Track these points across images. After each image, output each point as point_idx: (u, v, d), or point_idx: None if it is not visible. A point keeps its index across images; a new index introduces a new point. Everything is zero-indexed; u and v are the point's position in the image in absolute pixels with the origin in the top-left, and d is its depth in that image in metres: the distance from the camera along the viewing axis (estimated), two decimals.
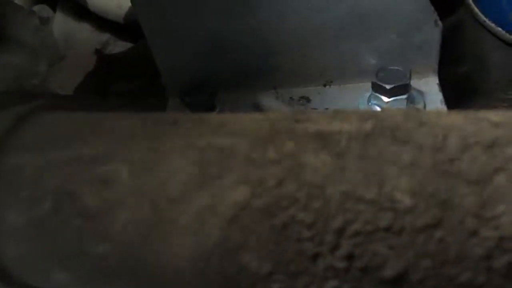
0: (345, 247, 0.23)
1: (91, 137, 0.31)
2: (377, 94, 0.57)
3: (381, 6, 0.56)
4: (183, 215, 0.26)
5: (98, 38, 0.88)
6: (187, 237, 0.26)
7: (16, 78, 0.72)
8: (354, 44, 0.60)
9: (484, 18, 0.65)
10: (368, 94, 0.59)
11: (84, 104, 0.40)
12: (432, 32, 0.57)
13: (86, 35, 0.88)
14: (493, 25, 0.64)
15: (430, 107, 0.58)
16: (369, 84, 0.58)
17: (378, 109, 0.58)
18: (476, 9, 0.66)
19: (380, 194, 0.23)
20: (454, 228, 0.22)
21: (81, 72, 0.80)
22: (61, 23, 0.88)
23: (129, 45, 0.88)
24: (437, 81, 0.61)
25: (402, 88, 0.56)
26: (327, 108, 0.62)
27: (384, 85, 0.56)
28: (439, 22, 0.57)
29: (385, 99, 0.57)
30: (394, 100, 0.56)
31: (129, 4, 0.61)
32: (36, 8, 0.87)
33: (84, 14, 0.88)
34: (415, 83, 0.59)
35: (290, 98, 0.64)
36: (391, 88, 0.56)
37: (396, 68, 0.57)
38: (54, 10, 0.90)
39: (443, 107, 0.58)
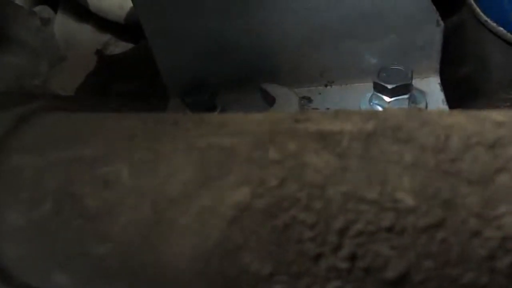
0: (348, 247, 0.23)
1: (92, 138, 0.31)
2: (378, 94, 0.57)
3: (383, 6, 0.56)
4: (183, 215, 0.26)
5: (99, 38, 0.88)
6: (188, 237, 0.25)
7: (16, 79, 0.72)
8: (356, 44, 0.59)
9: (486, 18, 0.65)
10: (369, 94, 0.59)
11: (84, 104, 0.40)
12: (433, 32, 0.57)
13: (87, 36, 0.88)
14: (494, 25, 0.63)
15: (432, 107, 0.58)
16: (371, 84, 0.58)
17: (380, 109, 0.57)
18: (477, 9, 0.66)
19: (382, 194, 0.23)
20: (456, 228, 0.22)
21: (82, 72, 0.80)
22: (62, 24, 0.88)
23: (130, 45, 0.88)
24: (438, 81, 0.61)
25: (403, 88, 0.56)
26: (328, 108, 0.62)
27: (385, 85, 0.56)
28: (441, 22, 0.56)
29: (387, 99, 0.57)
30: (395, 100, 0.56)
31: (130, 4, 0.61)
32: (37, 8, 0.88)
33: (85, 14, 0.88)
34: (416, 83, 0.59)
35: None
36: (392, 88, 0.55)
37: (398, 68, 0.57)
38: (55, 11, 0.90)
39: (445, 107, 0.58)
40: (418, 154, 0.23)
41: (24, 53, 0.74)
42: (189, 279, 0.26)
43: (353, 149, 0.24)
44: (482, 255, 0.22)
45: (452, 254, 0.22)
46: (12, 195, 0.30)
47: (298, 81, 0.64)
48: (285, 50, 0.61)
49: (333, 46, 0.60)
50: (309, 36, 0.59)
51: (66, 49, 0.86)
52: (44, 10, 0.87)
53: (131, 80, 0.79)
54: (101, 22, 0.87)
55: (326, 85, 0.64)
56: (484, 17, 0.65)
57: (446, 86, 0.60)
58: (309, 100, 0.64)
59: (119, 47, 0.88)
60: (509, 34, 0.62)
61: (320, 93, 0.64)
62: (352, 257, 0.23)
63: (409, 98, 0.57)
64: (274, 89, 0.61)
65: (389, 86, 0.55)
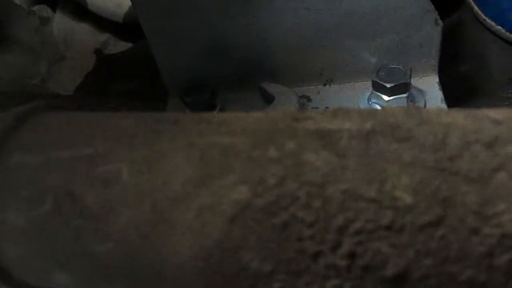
0: (347, 245, 0.23)
1: (91, 137, 0.31)
2: (377, 93, 0.57)
3: (382, 5, 0.56)
4: (183, 214, 0.26)
5: (98, 38, 0.88)
6: (188, 236, 0.26)
7: (16, 78, 0.72)
8: (355, 43, 0.60)
9: (484, 17, 0.65)
10: (368, 93, 0.59)
11: (84, 104, 0.40)
12: (432, 31, 0.57)
13: (86, 35, 0.88)
14: (493, 24, 0.64)
15: (431, 105, 0.58)
16: (370, 83, 0.58)
17: (379, 107, 0.57)
18: (476, 8, 0.66)
19: (381, 193, 0.23)
20: (455, 226, 0.22)
21: (81, 72, 0.80)
22: (61, 23, 0.88)
23: (128, 45, 0.88)
24: (437, 79, 0.61)
25: (402, 87, 0.56)
26: (327, 107, 0.62)
27: (384, 83, 0.56)
28: (440, 21, 0.57)
29: (386, 97, 0.57)
30: (394, 98, 0.56)
31: (129, 3, 0.61)
32: (36, 8, 0.88)
33: (84, 14, 0.88)
34: (415, 81, 0.59)
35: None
36: (391, 87, 0.56)
37: (397, 66, 0.57)
38: (54, 10, 0.90)
39: (443, 106, 0.58)
40: (417, 152, 0.23)
41: (23, 53, 0.74)
42: (189, 277, 0.26)
43: (352, 148, 0.25)
44: (481, 252, 0.22)
45: (451, 251, 0.22)
46: (12, 194, 0.30)
47: (297, 80, 0.64)
48: (284, 49, 0.61)
49: (332, 45, 0.60)
50: (308, 35, 0.59)
51: (65, 49, 0.86)
52: (43, 10, 0.87)
53: (130, 79, 0.79)
54: (100, 21, 0.87)
55: (325, 84, 0.64)
56: (482, 16, 0.65)
57: (444, 85, 0.60)
58: (308, 99, 0.64)
59: (118, 46, 0.88)
60: (507, 33, 0.62)
61: (319, 92, 0.64)
62: (351, 255, 0.23)
63: (407, 97, 0.57)
64: (273, 88, 0.61)
65: (388, 85, 0.55)
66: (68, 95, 0.76)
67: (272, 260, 0.24)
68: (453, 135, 0.24)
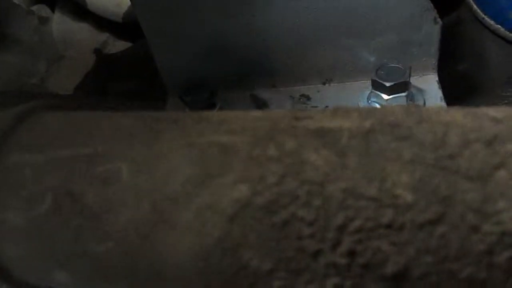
0: (347, 243, 0.23)
1: (91, 137, 0.31)
2: (376, 92, 0.57)
3: (381, 3, 0.56)
4: (183, 213, 0.26)
5: (97, 37, 0.88)
6: (188, 235, 0.26)
7: (15, 78, 0.72)
8: (354, 42, 0.60)
9: (484, 16, 0.65)
10: (367, 92, 0.59)
11: (83, 103, 0.40)
12: (431, 30, 0.57)
13: (85, 35, 0.88)
14: (492, 22, 0.64)
15: (430, 104, 0.58)
16: (369, 82, 0.58)
17: (378, 106, 0.57)
18: (475, 7, 0.66)
19: (381, 191, 0.23)
20: (455, 224, 0.22)
21: (80, 71, 0.80)
22: (60, 23, 0.88)
23: (128, 44, 0.88)
24: (436, 78, 0.61)
25: (401, 86, 0.56)
26: (327, 106, 0.62)
27: (383, 82, 0.56)
28: (439, 20, 0.57)
29: (385, 96, 0.57)
30: (393, 97, 0.56)
31: (128, 3, 0.61)
32: (35, 7, 0.87)
33: (83, 13, 0.88)
34: (414, 80, 0.59)
35: (290, 96, 0.64)
36: (390, 86, 0.56)
37: (396, 65, 0.57)
38: (53, 10, 0.90)
39: (443, 104, 0.58)
40: (417, 150, 0.23)
41: (22, 52, 0.74)
42: (189, 277, 0.26)
43: (352, 146, 0.25)
44: (481, 250, 0.22)
45: (451, 249, 0.22)
46: (11, 194, 0.30)
47: (297, 79, 0.64)
48: (284, 49, 0.61)
49: (331, 44, 0.60)
50: (307, 34, 0.59)
51: (64, 48, 0.86)
52: (42, 9, 0.87)
53: (129, 79, 0.79)
54: (99, 21, 0.87)
55: (324, 83, 0.64)
56: (481, 15, 0.65)
57: (444, 83, 0.60)
58: (308, 98, 0.64)
59: (117, 46, 0.88)
60: (506, 32, 0.62)
61: (318, 91, 0.64)
62: (351, 254, 0.23)
63: (407, 96, 0.57)
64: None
65: (387, 84, 0.55)
66: (67, 95, 0.76)
67: (272, 258, 0.24)
68: (453, 133, 0.24)
